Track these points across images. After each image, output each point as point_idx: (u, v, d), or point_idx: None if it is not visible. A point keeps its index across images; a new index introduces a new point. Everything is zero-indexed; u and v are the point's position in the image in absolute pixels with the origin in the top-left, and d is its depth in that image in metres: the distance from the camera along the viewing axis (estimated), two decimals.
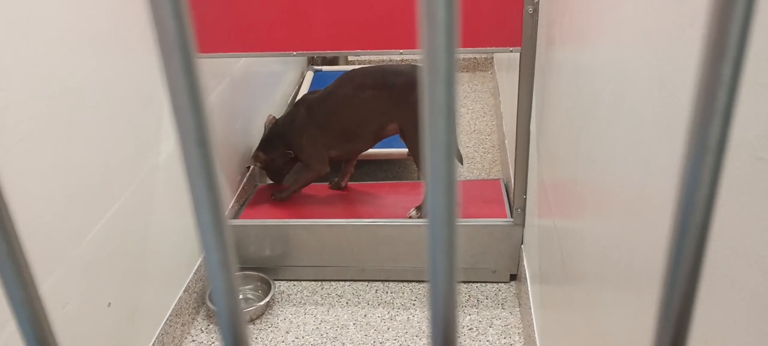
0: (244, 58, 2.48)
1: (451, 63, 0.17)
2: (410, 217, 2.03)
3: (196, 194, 0.19)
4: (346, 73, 2.06)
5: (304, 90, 3.24)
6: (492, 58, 3.78)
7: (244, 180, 2.41)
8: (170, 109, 0.18)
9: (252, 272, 2.04)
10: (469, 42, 1.71)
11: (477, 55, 3.85)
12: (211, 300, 1.97)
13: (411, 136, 2.01)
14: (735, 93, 0.16)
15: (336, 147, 2.13)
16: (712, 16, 0.16)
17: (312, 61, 3.82)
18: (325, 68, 3.62)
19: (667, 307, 0.22)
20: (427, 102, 0.18)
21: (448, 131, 0.18)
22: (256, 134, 2.66)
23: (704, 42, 0.16)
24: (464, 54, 1.83)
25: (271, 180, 2.33)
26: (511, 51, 1.71)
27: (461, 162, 2.12)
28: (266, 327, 1.91)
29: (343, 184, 2.29)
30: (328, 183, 2.31)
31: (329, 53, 1.83)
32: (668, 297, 0.22)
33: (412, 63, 2.08)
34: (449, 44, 0.17)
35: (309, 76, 3.42)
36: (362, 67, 2.05)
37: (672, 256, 0.18)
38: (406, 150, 2.49)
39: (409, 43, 1.74)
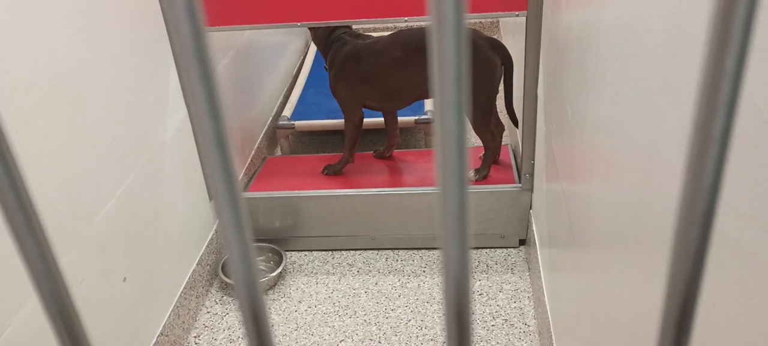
0: (247, 31, 2.47)
1: (460, 21, 0.17)
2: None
3: (210, 165, 0.20)
4: (398, 33, 2.00)
5: (309, 60, 3.23)
6: (498, 22, 3.75)
7: (253, 153, 2.42)
8: (183, 88, 0.19)
9: (263, 244, 2.06)
10: (474, 7, 1.69)
11: (483, 20, 3.81)
12: (224, 272, 2.00)
13: None
14: (738, 86, 0.16)
15: (375, 100, 2.08)
16: (715, 11, 0.16)
17: (311, 36, 3.79)
18: None
19: (675, 279, 0.22)
20: (437, 64, 0.18)
21: (458, 95, 0.18)
22: (262, 106, 2.66)
23: (708, 37, 0.16)
24: (470, 19, 1.82)
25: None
26: (517, 15, 1.70)
27: (517, 125, 2.07)
28: (279, 297, 1.94)
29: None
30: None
31: (333, 23, 1.82)
32: (676, 271, 0.22)
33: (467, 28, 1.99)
34: (458, 9, 0.17)
35: (313, 46, 3.40)
36: (413, 29, 2.00)
37: (677, 247, 0.19)
38: (413, 118, 2.49)
39: (414, 10, 1.73)
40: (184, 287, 1.81)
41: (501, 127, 2.09)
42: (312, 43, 3.45)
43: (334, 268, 2.04)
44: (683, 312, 0.22)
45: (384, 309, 1.86)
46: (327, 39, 2.08)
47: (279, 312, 1.88)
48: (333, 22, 1.79)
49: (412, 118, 2.49)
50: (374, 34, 2.10)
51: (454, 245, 0.20)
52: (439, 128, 0.18)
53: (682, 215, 0.19)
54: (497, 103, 2.01)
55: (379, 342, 1.75)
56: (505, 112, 2.05)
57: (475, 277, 1.95)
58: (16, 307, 1.14)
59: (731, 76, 0.16)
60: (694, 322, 0.24)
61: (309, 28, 2.05)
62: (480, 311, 1.82)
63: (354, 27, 2.15)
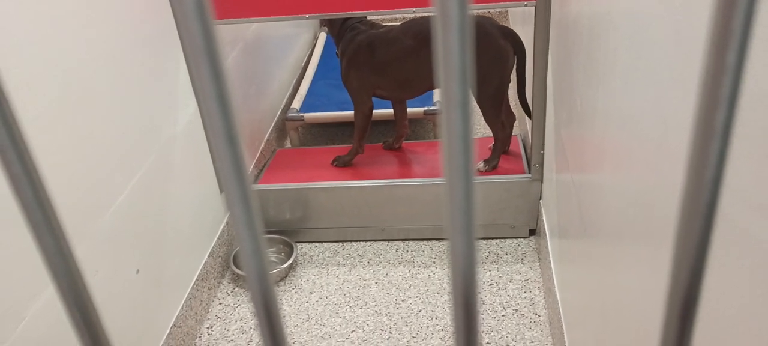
0: (256, 23, 2.47)
1: (464, 19, 0.17)
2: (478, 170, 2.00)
3: (221, 161, 0.20)
4: (410, 21, 1.98)
5: (317, 52, 3.23)
6: (507, 12, 3.73)
7: (262, 145, 2.43)
8: (193, 83, 0.19)
9: (274, 236, 2.07)
10: None
11: (491, 10, 3.79)
12: (235, 264, 2.01)
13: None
14: (739, 81, 0.16)
15: (386, 90, 2.07)
16: (716, 8, 0.16)
17: (324, 23, 3.80)
18: None
19: (680, 268, 0.23)
20: (442, 62, 0.18)
21: (463, 92, 0.18)
22: (271, 98, 2.67)
23: (709, 33, 0.16)
24: (477, 9, 1.81)
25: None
26: (526, 5, 1.69)
27: (530, 116, 2.03)
28: (290, 289, 1.95)
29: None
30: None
31: (341, 15, 1.82)
32: (680, 261, 0.22)
33: (479, 16, 1.95)
34: (462, 4, 0.17)
35: (322, 37, 3.40)
36: (425, 18, 1.97)
37: (681, 239, 0.19)
38: (422, 109, 2.49)
39: (421, 2, 1.73)
40: (196, 279, 1.83)
41: (512, 118, 2.08)
42: (321, 34, 3.45)
43: (344, 259, 2.05)
44: (686, 303, 0.22)
45: (394, 300, 1.87)
46: (340, 27, 2.08)
47: (290, 303, 1.90)
48: (340, 14, 1.79)
49: (421, 109, 2.49)
50: (388, 24, 2.10)
51: (461, 238, 0.21)
52: (445, 124, 0.18)
53: (685, 207, 0.19)
54: (509, 93, 2.00)
55: (390, 332, 1.76)
56: (518, 101, 2.04)
57: (486, 267, 1.95)
58: (29, 300, 1.16)
59: (732, 72, 0.16)
60: (697, 312, 0.24)
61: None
62: (490, 301, 1.82)
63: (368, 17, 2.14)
